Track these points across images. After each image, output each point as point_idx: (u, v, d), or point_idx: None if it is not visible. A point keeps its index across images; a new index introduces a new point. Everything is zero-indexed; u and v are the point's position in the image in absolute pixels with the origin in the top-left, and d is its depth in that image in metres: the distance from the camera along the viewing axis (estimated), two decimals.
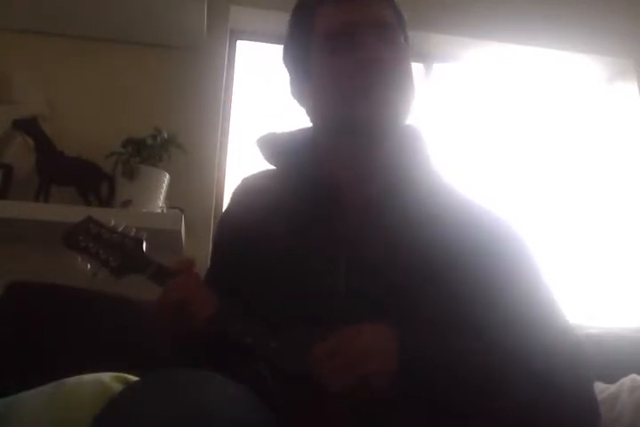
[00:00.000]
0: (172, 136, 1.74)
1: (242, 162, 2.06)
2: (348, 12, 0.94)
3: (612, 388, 1.44)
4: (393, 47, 0.95)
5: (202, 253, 1.73)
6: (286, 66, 1.05)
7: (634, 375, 1.46)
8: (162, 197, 1.74)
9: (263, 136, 1.04)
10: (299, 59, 1.01)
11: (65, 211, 1.55)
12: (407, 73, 0.96)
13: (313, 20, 0.97)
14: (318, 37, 0.96)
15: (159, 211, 1.71)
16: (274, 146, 1.03)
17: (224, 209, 1.11)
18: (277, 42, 1.63)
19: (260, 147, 1.03)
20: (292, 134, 1.05)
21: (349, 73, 0.92)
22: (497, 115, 2.44)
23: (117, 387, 1.08)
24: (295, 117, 1.10)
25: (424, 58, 2.36)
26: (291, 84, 1.05)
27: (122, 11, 1.83)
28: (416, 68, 2.35)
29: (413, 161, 0.99)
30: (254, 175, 1.08)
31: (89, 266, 0.96)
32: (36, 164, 1.70)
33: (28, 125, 1.71)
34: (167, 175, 1.75)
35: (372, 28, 0.93)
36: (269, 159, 1.03)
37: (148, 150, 1.71)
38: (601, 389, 1.43)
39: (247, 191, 1.06)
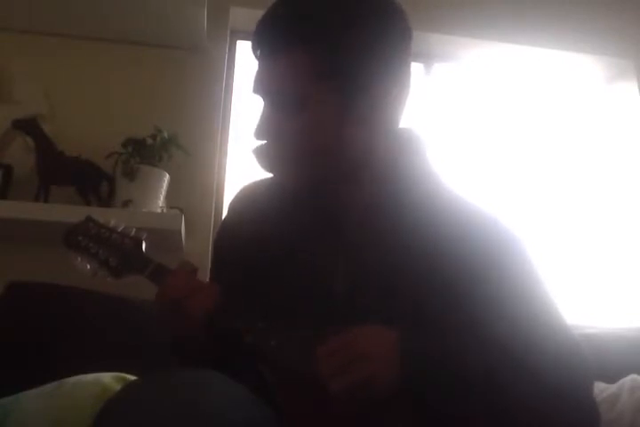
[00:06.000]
0: (172, 136, 1.74)
1: (242, 162, 2.06)
2: (256, 74, 0.93)
3: (612, 388, 1.44)
4: (285, 114, 0.89)
5: (202, 253, 1.73)
6: None
7: (634, 375, 1.46)
8: (162, 197, 1.74)
9: (259, 145, 1.03)
10: None
11: (65, 211, 1.55)
12: (301, 140, 0.90)
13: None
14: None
15: (159, 211, 1.71)
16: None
17: (223, 218, 1.11)
18: None
19: (255, 155, 1.03)
20: None
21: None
22: (497, 115, 2.44)
23: (117, 387, 1.08)
24: None
25: (424, 58, 2.36)
26: None
27: (122, 11, 1.82)
28: (416, 67, 2.36)
29: (411, 163, 0.98)
30: (252, 184, 1.08)
31: (88, 266, 0.96)
32: (36, 164, 1.70)
33: (28, 125, 1.71)
34: (167, 175, 1.75)
35: (270, 98, 0.91)
36: (266, 167, 1.03)
37: (148, 150, 1.71)
38: (601, 389, 1.43)
39: (245, 199, 1.06)
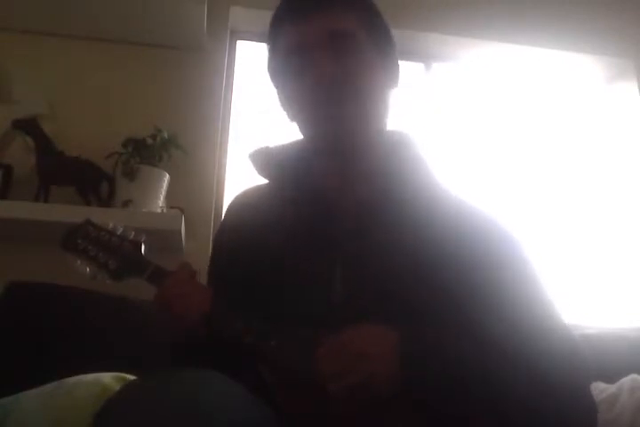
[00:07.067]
0: (172, 136, 1.74)
1: (242, 162, 2.06)
2: (301, 31, 0.92)
3: (612, 388, 1.44)
4: (347, 60, 0.91)
5: (202, 254, 1.73)
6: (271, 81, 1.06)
7: (634, 375, 1.46)
8: (162, 197, 1.74)
9: (256, 150, 1.04)
10: (274, 77, 1.02)
11: (65, 211, 1.55)
12: (366, 84, 0.92)
13: (276, 40, 0.97)
14: (280, 58, 0.97)
15: (159, 211, 1.71)
16: (266, 159, 1.03)
17: (221, 221, 1.11)
18: None
19: (252, 161, 1.03)
20: (284, 147, 1.05)
21: (304, 96, 0.93)
22: (496, 115, 2.44)
23: (117, 387, 1.08)
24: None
25: (424, 58, 2.36)
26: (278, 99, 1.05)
27: (122, 11, 1.83)
28: (416, 67, 2.36)
29: (405, 165, 0.99)
30: (246, 190, 1.09)
31: (88, 269, 0.96)
32: (36, 164, 1.70)
33: (28, 125, 1.71)
34: (167, 175, 1.75)
35: (324, 44, 0.91)
36: (262, 173, 1.03)
37: (148, 150, 1.71)
38: (601, 389, 1.43)
39: (241, 205, 1.06)
